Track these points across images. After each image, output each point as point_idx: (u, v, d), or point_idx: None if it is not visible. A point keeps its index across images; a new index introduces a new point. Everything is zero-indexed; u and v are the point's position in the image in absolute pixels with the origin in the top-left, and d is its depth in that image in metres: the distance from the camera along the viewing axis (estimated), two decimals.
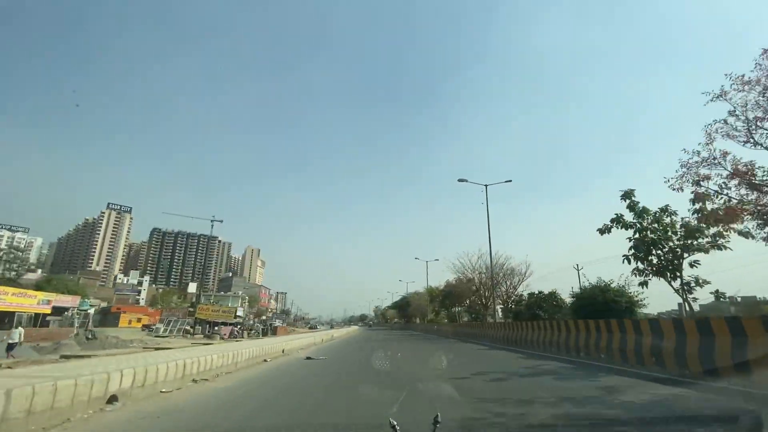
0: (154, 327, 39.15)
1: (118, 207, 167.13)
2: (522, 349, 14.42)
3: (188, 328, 40.25)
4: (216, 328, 40.53)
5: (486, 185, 25.73)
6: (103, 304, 65.49)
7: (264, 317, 76.16)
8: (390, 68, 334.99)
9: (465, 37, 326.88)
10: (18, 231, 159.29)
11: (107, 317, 54.83)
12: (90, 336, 24.28)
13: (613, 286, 13.58)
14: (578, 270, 40.51)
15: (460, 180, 25.76)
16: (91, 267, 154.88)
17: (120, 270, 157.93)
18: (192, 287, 76.63)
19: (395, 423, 2.26)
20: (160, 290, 66.59)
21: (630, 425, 4.03)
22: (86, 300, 41.54)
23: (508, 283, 27.79)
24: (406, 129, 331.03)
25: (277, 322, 71.41)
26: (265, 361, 11.62)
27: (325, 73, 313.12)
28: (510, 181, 25.92)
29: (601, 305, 12.81)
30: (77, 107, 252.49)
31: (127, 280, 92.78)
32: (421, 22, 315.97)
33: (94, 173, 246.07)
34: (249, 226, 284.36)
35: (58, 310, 35.81)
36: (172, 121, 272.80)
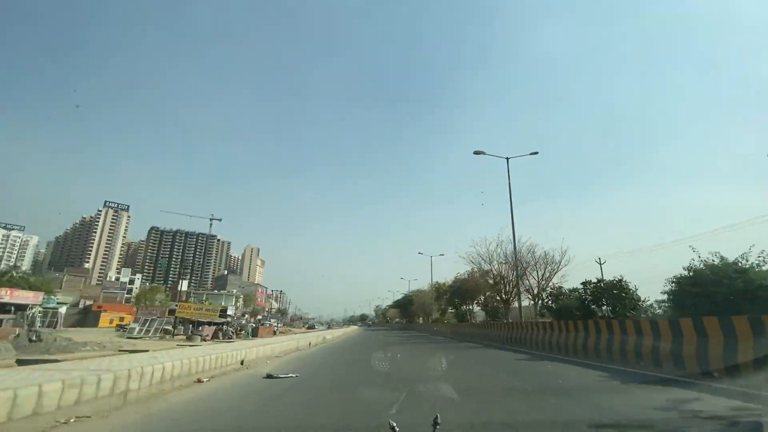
0: (128, 327, 34.65)
1: (116, 205, 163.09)
2: (580, 360, 10.00)
3: (169, 327, 35.96)
4: (200, 328, 36.51)
5: (507, 158, 21.38)
6: (89, 302, 61.18)
7: (259, 317, 71.70)
8: (394, 71, 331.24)
9: (469, 40, 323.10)
10: (14, 229, 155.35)
11: (87, 316, 50.41)
12: (34, 338, 19.60)
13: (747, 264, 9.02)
14: (600, 264, 36.10)
15: (477, 152, 21.38)
16: (87, 266, 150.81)
17: (117, 269, 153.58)
18: (183, 285, 72.29)
19: (394, 424, 2.13)
20: (147, 288, 61.93)
21: None
22: (53, 297, 37.05)
23: (539, 273, 23.23)
24: (410, 131, 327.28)
25: (272, 322, 66.99)
26: (199, 382, 7.21)
27: (329, 76, 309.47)
28: (536, 153, 21.54)
29: (739, 294, 8.30)
30: (77, 108, 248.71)
31: (119, 278, 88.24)
32: (425, 25, 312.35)
33: (94, 172, 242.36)
34: (249, 226, 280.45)
35: (19, 308, 31.42)
36: (174, 121, 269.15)
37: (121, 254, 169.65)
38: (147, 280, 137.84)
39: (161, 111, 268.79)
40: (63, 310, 36.94)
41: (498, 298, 27.06)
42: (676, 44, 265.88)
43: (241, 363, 9.77)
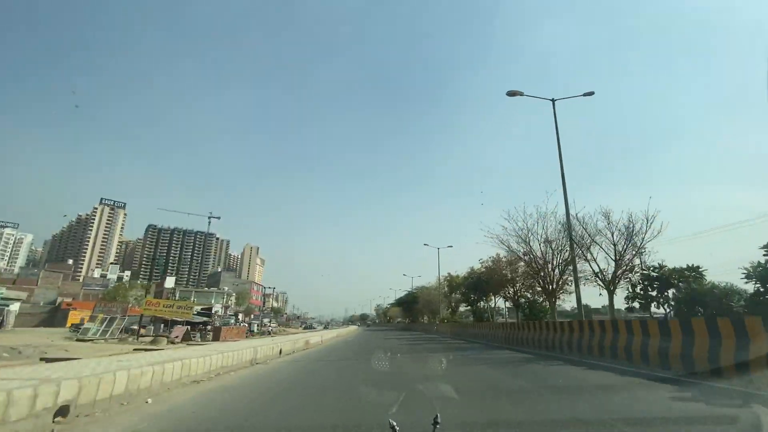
0: (81, 327, 28.99)
1: (112, 202, 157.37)
2: None
3: (135, 327, 30.27)
4: (173, 328, 30.96)
5: (553, 99, 15.76)
6: (68, 300, 55.65)
7: (251, 315, 65.96)
8: (395, 71, 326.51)
9: (469, 39, 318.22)
10: (7, 227, 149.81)
11: (57, 315, 44.91)
12: None
13: None
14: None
15: (511, 93, 15.75)
16: (82, 264, 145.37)
17: (121, 269, 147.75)
18: (169, 282, 66.64)
19: (394, 423, 2.03)
20: (121, 282, 55.65)
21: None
22: None
23: (620, 247, 15.90)
24: (410, 131, 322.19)
25: (265, 321, 61.20)
26: None
27: (329, 75, 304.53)
28: (591, 93, 15.89)
29: None
30: (77, 108, 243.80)
31: (105, 275, 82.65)
32: (426, 25, 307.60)
33: (93, 171, 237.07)
34: (249, 225, 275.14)
35: None
36: (173, 120, 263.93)
37: (118, 252, 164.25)
38: (145, 278, 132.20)
39: (160, 110, 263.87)
40: (15, 307, 31.33)
41: (539, 288, 20.70)
42: (677, 43, 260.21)
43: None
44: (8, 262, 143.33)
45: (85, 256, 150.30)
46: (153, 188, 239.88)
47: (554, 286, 18.87)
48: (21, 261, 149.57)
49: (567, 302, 21.62)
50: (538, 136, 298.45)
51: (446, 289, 38.52)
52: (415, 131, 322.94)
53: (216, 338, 22.28)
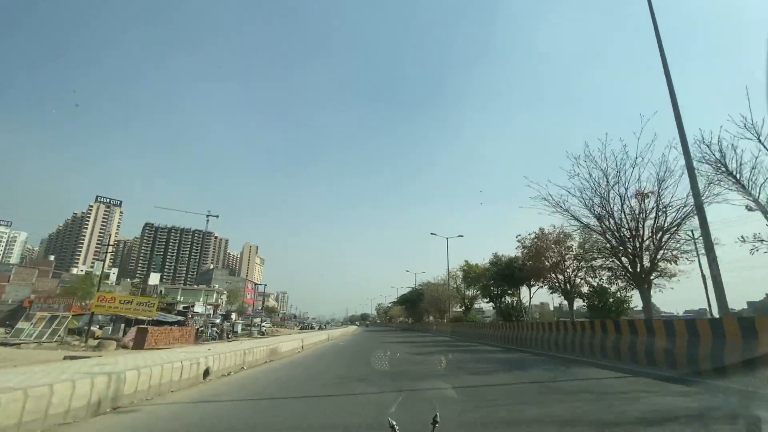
0: (15, 326, 23.46)
1: (108, 200, 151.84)
2: None
3: (86, 327, 24.73)
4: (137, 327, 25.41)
5: None
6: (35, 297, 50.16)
7: (242, 315, 60.37)
8: (392, 68, 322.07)
9: (467, 36, 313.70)
10: (0, 225, 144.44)
11: (18, 313, 39.45)
12: None
13: None
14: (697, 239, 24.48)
15: None
16: (78, 263, 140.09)
17: (109, 266, 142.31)
18: (154, 278, 61.10)
19: (394, 423, 1.90)
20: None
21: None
22: None
23: None
24: (408, 128, 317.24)
25: (257, 321, 55.75)
26: None
27: (328, 73, 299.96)
28: None
29: None
30: (77, 107, 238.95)
31: (90, 272, 77.13)
32: (424, 21, 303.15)
33: (90, 169, 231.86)
34: (249, 224, 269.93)
35: None
36: (173, 117, 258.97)
37: (113, 251, 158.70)
38: (141, 276, 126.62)
39: (158, 107, 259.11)
40: None
41: (625, 270, 13.03)
42: (678, 41, 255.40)
43: None
44: (0, 260, 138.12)
45: (80, 255, 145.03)
46: (150, 186, 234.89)
47: (646, 264, 11.79)
48: (15, 259, 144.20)
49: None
50: (537, 133, 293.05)
51: (459, 282, 32.86)
52: (415, 128, 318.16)
53: (140, 345, 16.38)
